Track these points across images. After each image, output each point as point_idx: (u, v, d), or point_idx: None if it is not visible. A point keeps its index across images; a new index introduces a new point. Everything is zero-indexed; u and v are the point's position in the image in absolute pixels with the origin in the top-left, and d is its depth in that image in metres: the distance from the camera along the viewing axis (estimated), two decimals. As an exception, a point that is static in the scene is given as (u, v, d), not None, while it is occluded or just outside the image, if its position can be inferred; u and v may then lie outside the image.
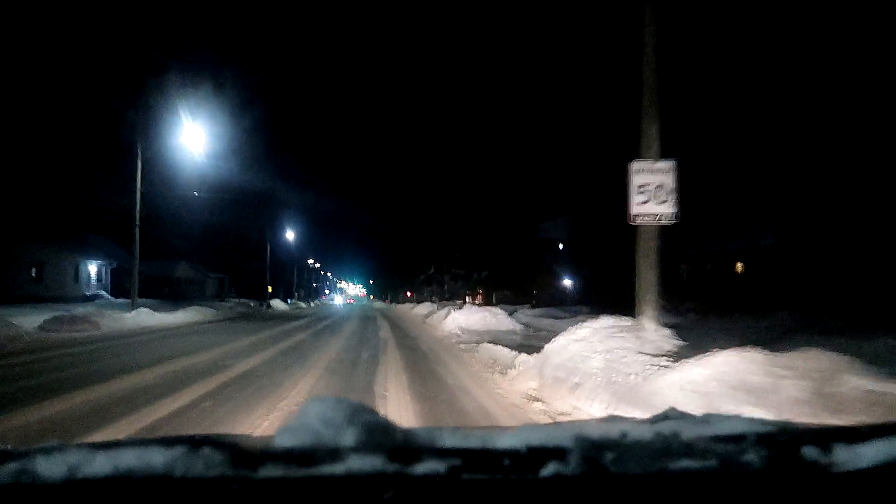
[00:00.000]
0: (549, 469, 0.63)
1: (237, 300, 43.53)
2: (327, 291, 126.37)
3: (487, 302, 43.21)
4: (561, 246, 38.90)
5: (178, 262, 41.11)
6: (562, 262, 34.24)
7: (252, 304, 38.37)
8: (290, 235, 47.72)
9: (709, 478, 0.64)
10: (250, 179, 53.01)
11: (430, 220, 44.30)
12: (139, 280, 22.77)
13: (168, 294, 34.29)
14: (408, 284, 70.12)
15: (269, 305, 38.66)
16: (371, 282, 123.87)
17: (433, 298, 52.42)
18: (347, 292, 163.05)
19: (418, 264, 51.95)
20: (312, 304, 67.34)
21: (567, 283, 38.09)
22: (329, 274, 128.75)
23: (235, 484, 0.62)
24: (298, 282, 69.21)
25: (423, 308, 26.55)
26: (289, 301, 62.48)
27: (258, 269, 55.26)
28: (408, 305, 36.38)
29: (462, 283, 41.33)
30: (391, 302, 79.47)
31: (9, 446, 0.84)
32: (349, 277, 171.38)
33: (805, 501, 0.65)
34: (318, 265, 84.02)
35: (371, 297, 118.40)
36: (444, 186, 37.99)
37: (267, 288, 44.75)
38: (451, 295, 52.71)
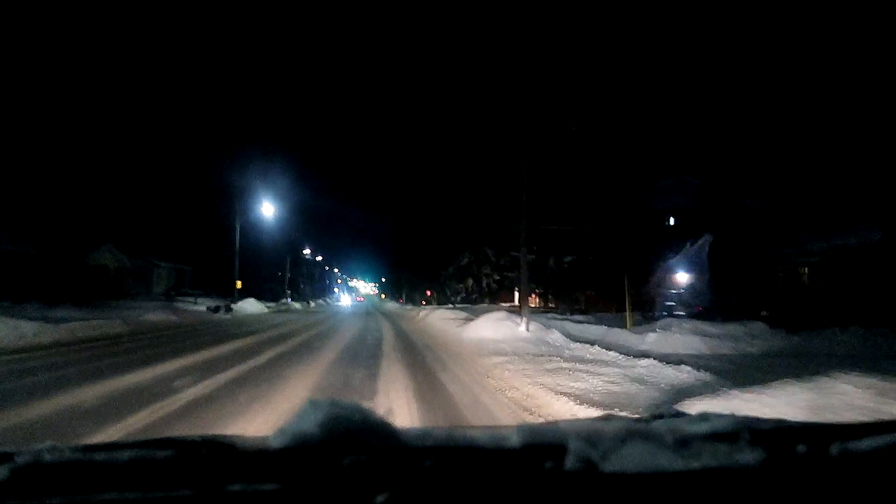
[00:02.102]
0: (545, 468, 0.63)
1: (194, 298, 31.08)
2: (336, 290, 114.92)
3: (547, 307, 29.90)
4: (672, 221, 25.67)
5: (101, 245, 28.38)
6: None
7: (208, 307, 25.65)
8: (271, 212, 34.84)
9: (704, 476, 0.64)
10: (232, 153, 40.53)
11: (468, 186, 31.38)
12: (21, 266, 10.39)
13: (47, 289, 21.55)
14: (426, 282, 57.00)
15: (227, 308, 25.88)
16: (383, 279, 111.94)
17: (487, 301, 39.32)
18: (359, 290, 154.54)
19: (444, 254, 38.93)
20: (313, 305, 55.01)
21: (681, 278, 24.83)
22: (336, 270, 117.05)
23: (231, 484, 0.61)
24: (293, 277, 56.48)
25: (504, 326, 11.40)
26: (288, 299, 50.17)
27: (241, 261, 42.96)
28: (440, 315, 19.19)
29: (517, 277, 26.54)
30: (405, 302, 66.48)
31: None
32: (361, 275, 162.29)
33: (801, 499, 0.64)
34: (319, 258, 71.55)
35: (383, 295, 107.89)
36: (489, 133, 24.74)
37: (235, 283, 32.13)
38: (486, 293, 39.46)
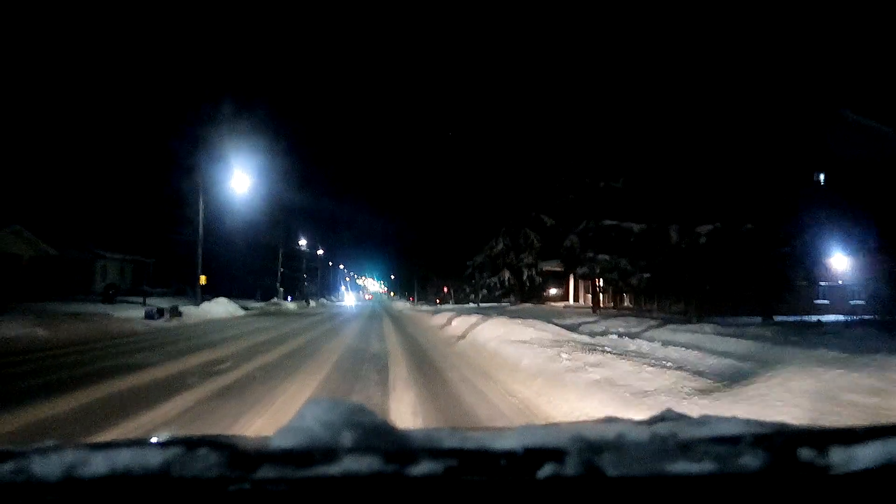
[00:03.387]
0: (546, 471, 0.63)
1: (143, 298, 23.60)
2: (343, 288, 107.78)
3: (620, 306, 21.69)
4: (822, 178, 17.69)
5: (3, 228, 20.80)
6: None
7: (147, 311, 18.00)
8: (246, 187, 27.20)
9: (706, 480, 0.64)
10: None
11: (500, 152, 23.67)
12: None
13: None
14: (443, 276, 49.24)
15: (174, 312, 18.25)
16: (392, 276, 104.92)
17: (510, 298, 31.37)
18: (367, 288, 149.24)
19: (469, 242, 31.15)
20: (312, 304, 47.63)
21: (838, 263, 16.88)
22: (343, 267, 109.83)
23: (232, 484, 0.61)
24: (288, 273, 48.94)
25: None
26: (284, 298, 42.83)
27: (220, 254, 35.58)
28: (510, 333, 9.66)
29: (608, 261, 16.53)
30: (416, 301, 58.88)
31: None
32: (370, 273, 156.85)
33: (804, 503, 0.64)
34: (320, 252, 64.07)
35: (392, 293, 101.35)
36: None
37: (199, 279, 24.62)
38: (527, 289, 31.55)
